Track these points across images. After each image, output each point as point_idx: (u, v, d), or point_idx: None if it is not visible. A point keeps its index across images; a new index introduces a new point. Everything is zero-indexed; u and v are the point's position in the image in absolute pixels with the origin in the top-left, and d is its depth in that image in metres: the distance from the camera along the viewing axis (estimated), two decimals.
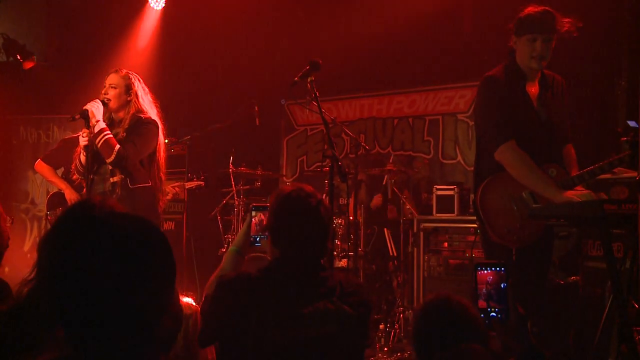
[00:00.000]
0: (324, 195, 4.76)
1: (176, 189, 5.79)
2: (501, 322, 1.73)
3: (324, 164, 5.87)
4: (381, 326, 5.28)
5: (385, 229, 6.13)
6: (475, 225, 4.55)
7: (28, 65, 6.96)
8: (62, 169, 5.12)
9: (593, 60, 5.56)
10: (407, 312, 5.46)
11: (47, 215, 5.23)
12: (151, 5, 7.12)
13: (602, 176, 3.37)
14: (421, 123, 7.33)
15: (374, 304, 5.45)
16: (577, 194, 3.21)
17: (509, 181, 3.34)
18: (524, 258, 3.27)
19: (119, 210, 1.35)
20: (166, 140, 4.44)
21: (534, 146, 3.38)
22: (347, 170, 4.30)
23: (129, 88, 4.10)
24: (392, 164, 6.32)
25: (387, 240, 6.02)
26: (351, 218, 5.84)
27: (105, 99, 4.05)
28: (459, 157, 7.05)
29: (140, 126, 4.05)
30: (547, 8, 3.35)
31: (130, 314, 1.24)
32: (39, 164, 5.15)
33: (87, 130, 3.95)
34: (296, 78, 3.72)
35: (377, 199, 6.30)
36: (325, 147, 4.75)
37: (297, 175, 8.00)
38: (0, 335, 1.63)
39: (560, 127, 3.51)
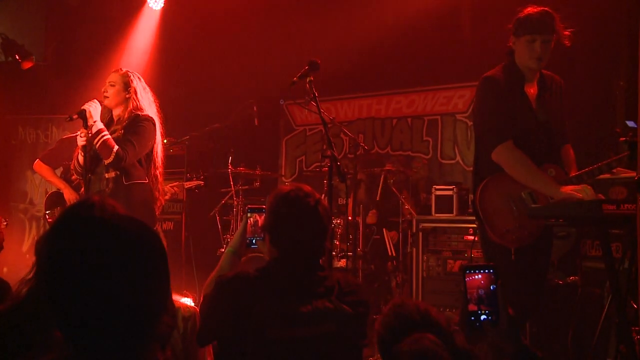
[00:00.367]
0: (323, 195, 4.76)
1: (175, 188, 5.79)
2: (492, 324, 1.73)
3: (323, 164, 5.88)
4: None
5: (384, 230, 6.14)
6: (475, 226, 4.54)
7: (27, 65, 6.96)
8: (61, 168, 5.12)
9: (592, 61, 5.56)
10: None
11: (45, 214, 5.22)
12: (150, 5, 7.12)
13: (601, 176, 3.37)
14: (420, 123, 7.33)
15: (373, 303, 5.45)
16: (576, 188, 3.21)
17: (508, 181, 3.34)
18: (523, 258, 3.27)
19: (118, 211, 1.35)
20: (165, 141, 4.44)
21: (532, 147, 3.38)
22: (346, 170, 4.31)
23: (127, 85, 4.13)
24: (390, 164, 6.34)
25: (386, 241, 6.02)
26: (350, 218, 5.85)
27: (103, 96, 4.09)
28: (458, 157, 7.05)
29: (138, 124, 4.06)
30: (546, 9, 3.35)
31: (129, 314, 1.24)
32: (38, 164, 5.15)
33: (85, 131, 3.96)
34: (295, 78, 3.73)
35: (372, 215, 6.29)
36: (324, 147, 4.76)
37: (296, 175, 8.00)
38: (1, 335, 1.63)
39: (558, 128, 3.51)
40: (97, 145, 3.94)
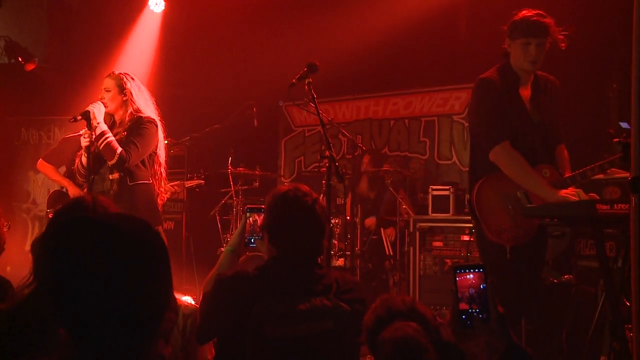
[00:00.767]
0: (322, 195, 4.76)
1: (175, 187, 5.79)
2: (483, 322, 1.74)
3: (321, 164, 5.88)
4: None
5: (382, 229, 6.14)
6: (471, 225, 4.55)
7: (30, 67, 6.97)
8: (64, 167, 5.12)
9: (586, 63, 5.56)
10: None
11: (47, 213, 5.22)
12: (151, 8, 7.12)
13: (595, 177, 3.38)
14: (417, 124, 7.33)
15: (370, 302, 5.44)
16: (570, 192, 3.22)
17: (504, 181, 3.34)
18: (518, 257, 3.27)
19: (111, 210, 1.35)
20: (166, 141, 4.44)
21: (527, 147, 3.38)
22: (344, 170, 4.31)
23: (122, 88, 4.12)
24: (388, 164, 6.35)
25: (384, 240, 6.03)
26: (348, 218, 5.85)
27: (104, 104, 4.08)
28: (455, 158, 7.06)
29: (140, 126, 4.05)
30: (540, 12, 3.36)
31: (133, 312, 1.23)
32: (41, 164, 5.15)
33: (88, 132, 3.96)
34: (294, 80, 3.72)
35: (370, 221, 6.29)
36: (323, 147, 4.75)
37: (294, 175, 8.00)
38: (3, 335, 1.63)
39: (553, 129, 3.52)
40: (101, 146, 3.94)
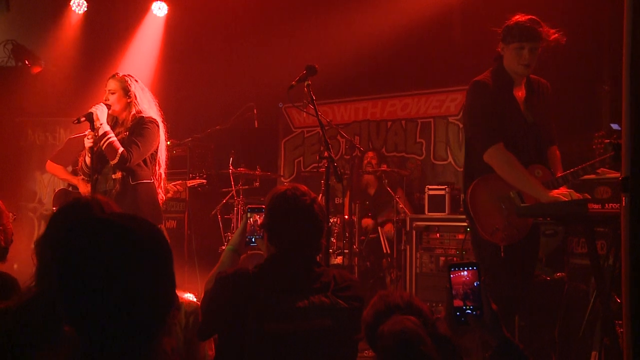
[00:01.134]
0: (320, 194, 4.75)
1: (177, 186, 5.78)
2: (477, 318, 1.74)
3: (320, 164, 5.88)
4: None
5: (379, 228, 6.14)
6: (466, 224, 4.55)
7: (36, 70, 6.96)
8: (70, 167, 5.12)
9: (577, 66, 5.56)
10: None
11: (53, 211, 5.20)
12: (154, 12, 7.13)
13: (587, 176, 3.38)
14: (413, 125, 7.33)
15: (368, 299, 5.44)
16: (562, 192, 3.23)
17: (497, 181, 3.34)
18: (512, 255, 3.27)
19: (113, 210, 1.34)
20: (168, 142, 4.44)
21: (520, 148, 3.38)
22: (342, 170, 4.31)
23: (126, 91, 4.11)
24: (385, 164, 6.36)
25: (381, 238, 6.02)
26: (346, 217, 5.85)
27: (107, 105, 4.06)
28: (450, 158, 7.06)
29: (142, 126, 4.05)
30: (534, 17, 3.36)
31: (137, 308, 1.23)
32: (50, 165, 5.14)
33: (92, 132, 3.96)
34: (293, 82, 3.72)
35: (367, 221, 6.30)
36: (322, 148, 4.75)
37: (294, 175, 7.99)
38: (10, 332, 1.62)
39: (545, 130, 3.52)
40: (104, 146, 3.94)
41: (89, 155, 4.00)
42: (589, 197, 3.43)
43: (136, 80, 4.18)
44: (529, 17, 3.35)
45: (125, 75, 4.17)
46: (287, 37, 6.85)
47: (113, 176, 4.05)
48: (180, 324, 2.39)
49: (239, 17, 6.91)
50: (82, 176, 4.35)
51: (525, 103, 3.48)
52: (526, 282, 3.45)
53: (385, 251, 5.96)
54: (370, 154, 6.57)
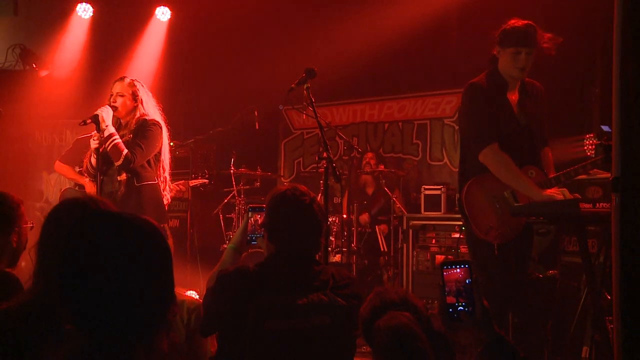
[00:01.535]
0: (319, 194, 4.75)
1: (180, 186, 5.79)
2: (469, 315, 1.74)
3: (319, 165, 5.85)
4: None
5: (376, 227, 6.14)
6: (461, 223, 4.55)
7: (43, 73, 6.95)
8: (77, 167, 5.11)
9: (569, 69, 5.57)
10: None
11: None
12: (158, 17, 7.13)
13: (578, 177, 3.38)
14: (410, 127, 7.33)
15: (366, 296, 5.43)
16: (555, 191, 3.23)
17: (492, 181, 3.34)
18: (506, 253, 3.27)
19: (105, 208, 1.34)
20: (171, 143, 4.43)
21: (514, 149, 3.38)
22: (340, 171, 4.30)
23: (134, 95, 4.11)
24: (383, 165, 6.37)
25: (378, 237, 6.02)
26: (345, 216, 5.85)
27: (113, 107, 4.05)
28: (446, 159, 7.06)
29: (146, 128, 4.05)
30: (530, 22, 3.35)
31: (137, 306, 1.23)
32: (58, 165, 5.14)
33: (98, 134, 3.95)
34: (293, 85, 3.72)
35: (364, 217, 6.29)
36: (321, 149, 4.74)
37: (294, 176, 7.99)
38: (11, 332, 1.62)
39: (538, 132, 3.52)
40: (109, 148, 3.94)
41: (94, 156, 4.00)
42: (579, 197, 3.43)
43: (142, 85, 4.18)
44: (526, 22, 3.35)
45: (133, 80, 4.16)
46: (287, 41, 6.85)
47: (118, 178, 4.05)
48: (183, 321, 2.38)
49: (240, 22, 6.91)
50: (87, 177, 4.35)
51: (518, 106, 3.47)
52: (519, 279, 3.45)
53: (382, 250, 5.96)
54: (370, 154, 6.58)
